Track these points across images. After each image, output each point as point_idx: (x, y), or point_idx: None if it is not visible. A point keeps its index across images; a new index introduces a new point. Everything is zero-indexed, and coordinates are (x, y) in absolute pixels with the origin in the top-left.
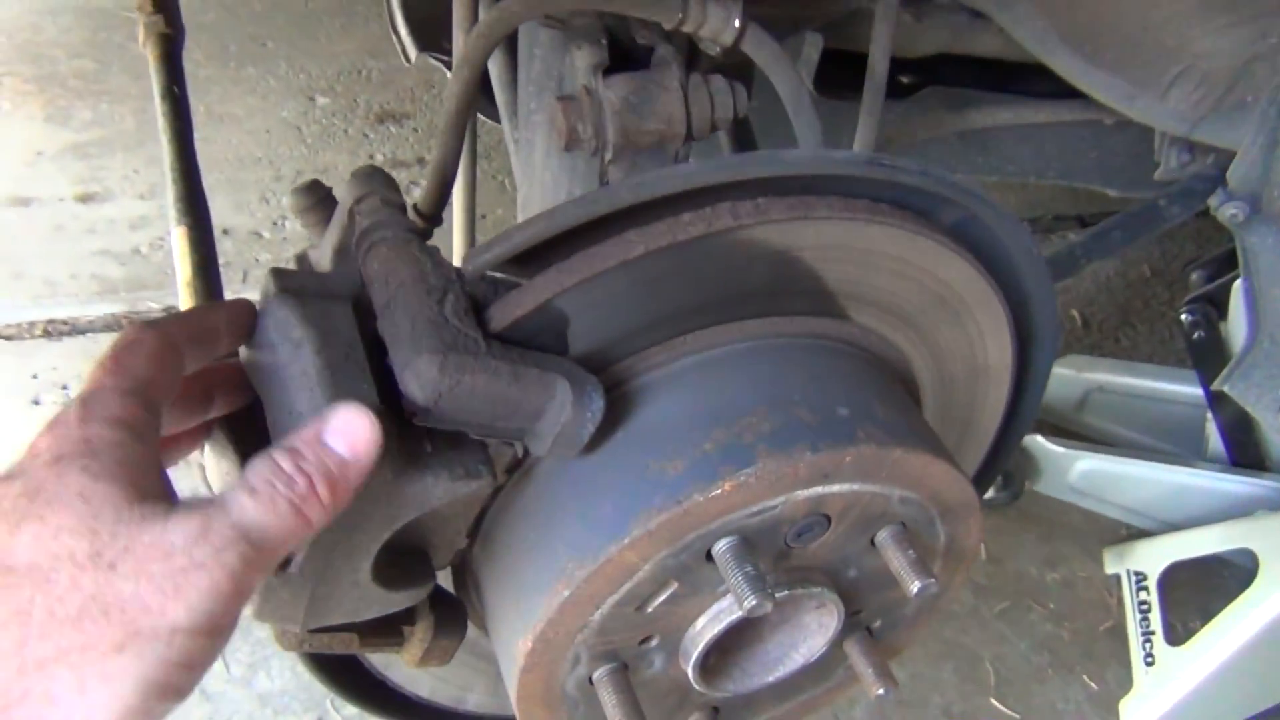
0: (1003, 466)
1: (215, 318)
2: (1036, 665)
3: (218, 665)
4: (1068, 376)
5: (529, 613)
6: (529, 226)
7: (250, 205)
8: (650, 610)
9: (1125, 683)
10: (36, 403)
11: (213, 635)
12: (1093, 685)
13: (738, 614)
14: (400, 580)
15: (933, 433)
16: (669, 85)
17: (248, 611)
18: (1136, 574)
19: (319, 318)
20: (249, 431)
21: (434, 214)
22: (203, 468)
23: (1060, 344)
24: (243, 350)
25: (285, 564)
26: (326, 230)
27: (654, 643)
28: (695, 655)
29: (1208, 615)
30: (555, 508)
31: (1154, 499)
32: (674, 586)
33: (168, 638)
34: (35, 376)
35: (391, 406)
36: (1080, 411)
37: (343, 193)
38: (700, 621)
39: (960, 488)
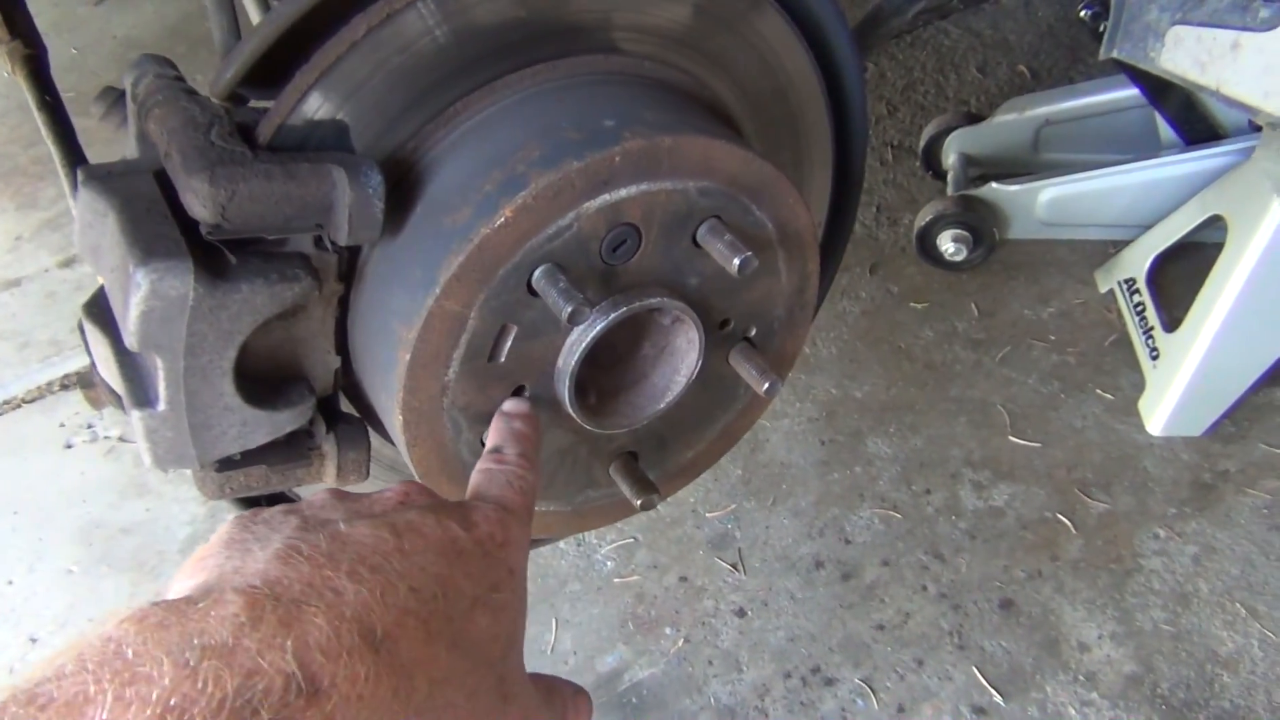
0: (859, 174)
1: None
2: (1048, 394)
3: None
4: (1013, 121)
5: (389, 390)
6: (255, 33)
7: None
8: (504, 360)
9: (1140, 385)
10: (69, 446)
11: None
12: (1108, 396)
13: (586, 338)
14: (280, 401)
15: (715, 124)
16: None
17: (148, 461)
18: (1126, 281)
19: (121, 189)
20: (108, 309)
21: (231, 96)
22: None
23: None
24: (77, 245)
25: (151, 403)
26: (128, 126)
27: (528, 394)
28: (567, 393)
29: None
30: (383, 293)
31: (1126, 205)
32: (514, 330)
33: None
34: (62, 425)
35: (196, 238)
36: (1038, 151)
37: (125, 84)
38: (560, 360)
39: (755, 166)
